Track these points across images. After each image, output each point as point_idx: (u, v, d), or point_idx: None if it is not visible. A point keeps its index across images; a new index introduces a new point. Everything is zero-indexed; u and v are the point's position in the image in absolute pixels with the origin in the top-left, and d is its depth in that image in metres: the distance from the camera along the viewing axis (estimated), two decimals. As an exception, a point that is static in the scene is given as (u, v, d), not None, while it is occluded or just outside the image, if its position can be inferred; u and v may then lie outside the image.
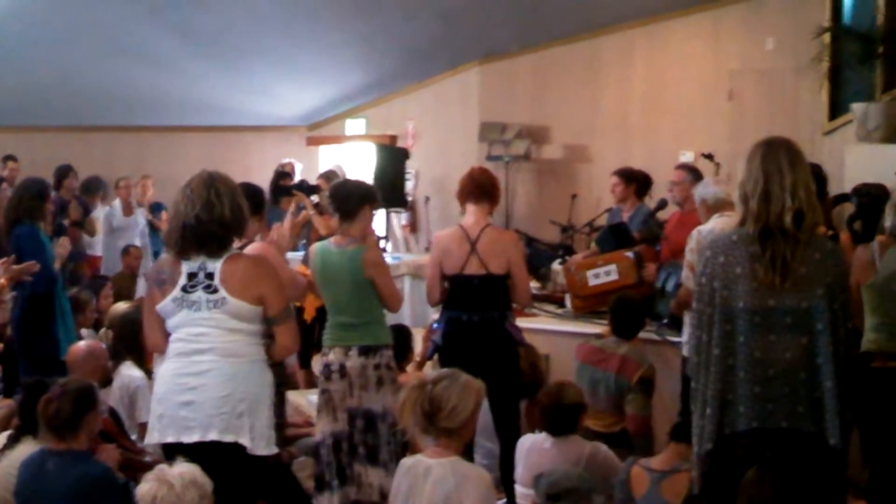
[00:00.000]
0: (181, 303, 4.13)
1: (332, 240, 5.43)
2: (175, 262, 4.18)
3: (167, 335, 4.23)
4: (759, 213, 3.70)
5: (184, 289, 4.13)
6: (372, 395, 5.22)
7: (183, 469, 3.72)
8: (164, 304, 4.17)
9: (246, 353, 4.16)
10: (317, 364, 5.95)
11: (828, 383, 3.62)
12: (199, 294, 4.11)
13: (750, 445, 3.68)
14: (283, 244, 5.34)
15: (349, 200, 5.37)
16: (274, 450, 4.26)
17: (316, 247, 5.50)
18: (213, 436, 4.05)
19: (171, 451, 4.10)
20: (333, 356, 5.28)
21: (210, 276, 4.11)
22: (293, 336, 4.33)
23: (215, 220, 4.09)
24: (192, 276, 4.13)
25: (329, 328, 5.38)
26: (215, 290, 4.10)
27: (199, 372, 4.10)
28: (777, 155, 3.73)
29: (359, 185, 5.60)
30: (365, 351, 5.24)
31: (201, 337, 4.11)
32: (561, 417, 4.91)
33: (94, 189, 11.48)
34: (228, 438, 4.06)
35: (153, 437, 4.21)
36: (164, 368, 4.24)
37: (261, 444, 4.13)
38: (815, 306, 3.64)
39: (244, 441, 4.08)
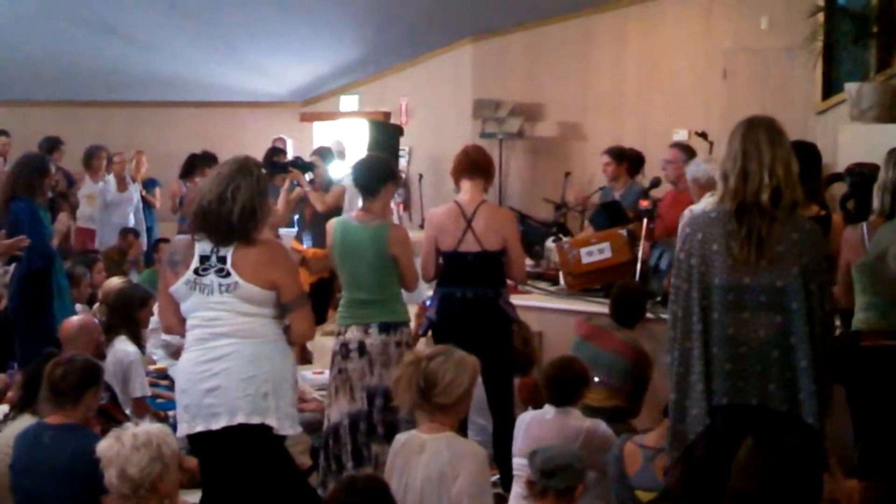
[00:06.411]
0: (193, 286, 4.08)
1: (354, 215, 5.40)
2: (189, 243, 4.14)
3: (182, 317, 4.19)
4: (737, 191, 3.73)
5: (196, 271, 4.08)
6: (392, 372, 5.13)
7: (142, 429, 3.73)
8: (177, 287, 4.13)
9: (264, 334, 4.11)
10: (327, 344, 5.89)
11: (802, 363, 3.64)
12: (212, 278, 4.05)
13: (724, 421, 3.72)
14: (275, 221, 5.32)
15: (372, 177, 5.34)
16: (298, 429, 4.26)
17: (335, 222, 5.45)
18: (239, 419, 4.02)
19: (199, 442, 4.12)
20: (351, 334, 5.23)
21: (222, 259, 4.05)
22: (309, 322, 4.29)
23: (224, 215, 4.02)
24: (204, 258, 4.07)
25: (345, 306, 5.33)
26: (227, 274, 4.04)
27: (219, 357, 4.05)
28: (756, 133, 3.75)
29: (382, 162, 5.59)
30: (385, 328, 5.21)
31: (216, 321, 4.07)
32: (565, 388, 4.93)
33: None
34: (255, 420, 4.03)
35: (182, 430, 4.15)
36: (184, 358, 4.19)
37: (286, 423, 4.12)
38: (790, 285, 3.66)
39: (271, 422, 4.06)
